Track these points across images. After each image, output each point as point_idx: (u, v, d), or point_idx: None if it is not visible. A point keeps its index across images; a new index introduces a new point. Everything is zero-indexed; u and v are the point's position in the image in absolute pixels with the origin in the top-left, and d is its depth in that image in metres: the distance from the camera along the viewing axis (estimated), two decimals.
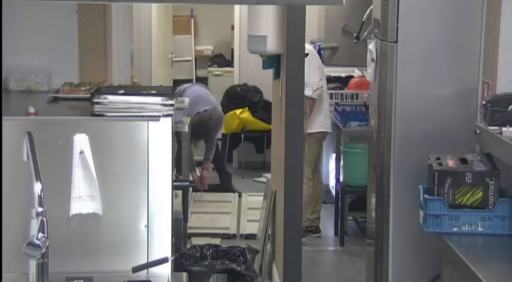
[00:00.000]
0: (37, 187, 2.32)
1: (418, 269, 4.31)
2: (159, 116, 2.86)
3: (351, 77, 7.66)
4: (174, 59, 9.80)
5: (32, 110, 2.92)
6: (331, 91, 7.35)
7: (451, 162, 3.78)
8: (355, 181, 6.60)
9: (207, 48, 11.03)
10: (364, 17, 6.38)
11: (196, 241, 5.87)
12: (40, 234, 2.29)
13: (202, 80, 9.82)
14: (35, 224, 2.30)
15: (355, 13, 7.19)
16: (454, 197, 3.67)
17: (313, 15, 7.78)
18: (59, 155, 2.79)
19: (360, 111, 7.02)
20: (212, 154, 7.35)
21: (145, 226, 2.85)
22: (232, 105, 8.63)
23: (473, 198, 3.67)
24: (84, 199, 2.76)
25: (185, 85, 7.51)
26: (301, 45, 4.94)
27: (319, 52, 7.34)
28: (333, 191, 7.33)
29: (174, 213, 2.95)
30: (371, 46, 4.66)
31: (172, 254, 2.87)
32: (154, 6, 7.89)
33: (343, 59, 7.31)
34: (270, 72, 5.64)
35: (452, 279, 3.68)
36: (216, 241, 6.05)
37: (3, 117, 2.72)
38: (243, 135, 8.68)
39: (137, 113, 2.87)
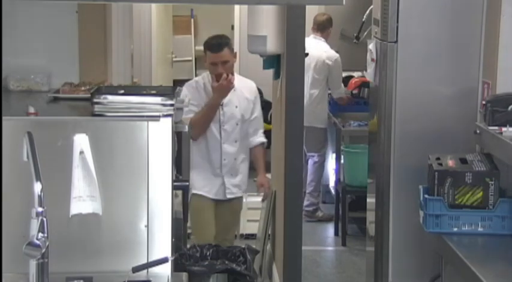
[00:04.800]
0: (37, 187, 2.32)
1: (418, 269, 4.31)
2: (159, 116, 2.86)
3: (351, 76, 7.73)
4: (174, 59, 9.79)
5: (32, 110, 2.92)
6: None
7: (451, 162, 3.78)
8: (355, 181, 6.60)
9: None
10: (364, 17, 6.39)
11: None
12: (40, 234, 2.29)
13: None
14: (35, 224, 2.30)
15: (355, 14, 7.20)
16: (454, 197, 3.67)
17: (313, 15, 7.77)
18: (59, 155, 2.79)
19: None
20: None
21: (145, 226, 2.85)
22: None
23: (473, 198, 3.67)
24: (84, 199, 2.76)
25: None
26: (301, 45, 4.94)
27: None
28: (333, 191, 7.33)
29: (174, 213, 2.95)
30: (371, 46, 4.66)
31: (172, 254, 2.87)
32: (154, 6, 7.88)
33: (343, 63, 7.37)
34: (270, 72, 5.64)
35: (452, 279, 3.68)
36: None
37: (3, 117, 2.72)
38: None
39: (137, 113, 2.87)
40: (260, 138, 5.12)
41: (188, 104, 4.50)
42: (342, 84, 7.50)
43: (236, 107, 4.94)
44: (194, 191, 4.92)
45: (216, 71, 4.81)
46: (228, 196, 5.05)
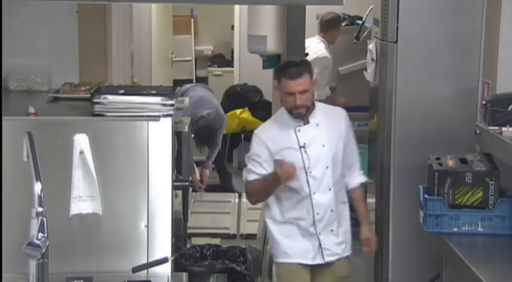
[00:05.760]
0: (37, 187, 2.32)
1: (418, 269, 4.31)
2: (159, 116, 2.86)
3: None
4: (174, 59, 9.78)
5: (32, 110, 2.93)
6: None
7: (451, 162, 3.79)
8: None
9: (207, 48, 11.02)
10: (364, 17, 6.38)
11: (196, 241, 5.86)
12: (40, 234, 2.29)
13: (202, 80, 9.81)
14: (35, 224, 2.30)
15: (355, 9, 7.20)
16: (454, 197, 3.67)
17: (313, 15, 7.78)
18: (59, 155, 2.79)
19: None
20: (215, 154, 7.36)
21: (146, 226, 2.85)
22: (232, 105, 8.62)
23: (473, 198, 3.67)
24: (84, 199, 2.76)
25: (187, 85, 7.50)
26: (301, 45, 4.94)
27: None
28: None
29: (174, 213, 2.95)
30: (371, 46, 4.67)
31: (172, 254, 2.87)
32: (154, 6, 7.89)
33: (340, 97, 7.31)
34: (270, 72, 5.64)
35: (452, 279, 3.68)
36: (216, 241, 6.04)
37: (3, 117, 2.72)
38: (243, 135, 8.67)
39: (137, 113, 2.87)
40: (359, 177, 3.94)
41: (253, 159, 3.83)
42: (327, 87, 7.06)
43: (323, 146, 3.76)
44: (282, 260, 3.90)
45: (293, 102, 3.70)
46: (328, 259, 3.81)
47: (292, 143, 3.75)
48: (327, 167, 3.77)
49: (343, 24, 7.38)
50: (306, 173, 3.75)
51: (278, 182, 3.72)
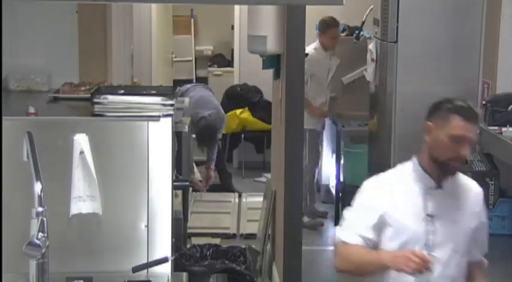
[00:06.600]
0: (37, 187, 2.32)
1: None
2: (159, 116, 2.86)
3: None
4: (174, 59, 9.79)
5: (32, 110, 2.93)
6: None
7: None
8: (355, 181, 6.59)
9: (207, 48, 11.03)
10: (364, 17, 6.38)
11: (196, 241, 5.87)
12: (40, 234, 2.29)
13: (202, 80, 9.82)
14: (35, 224, 2.30)
15: (355, 13, 7.19)
16: None
17: (313, 15, 7.77)
18: (59, 155, 2.79)
19: None
20: (215, 154, 7.37)
21: (146, 226, 2.85)
22: (232, 105, 8.63)
23: None
24: (84, 199, 2.76)
25: (187, 85, 7.50)
26: (301, 45, 4.94)
27: None
28: (333, 191, 7.33)
29: (174, 213, 2.95)
30: (371, 46, 4.67)
31: (172, 254, 2.87)
32: (154, 6, 7.89)
33: (342, 108, 7.28)
34: (270, 72, 5.64)
35: None
36: (216, 241, 6.05)
37: (3, 117, 2.72)
38: (243, 135, 8.68)
39: (137, 113, 2.87)
40: (480, 254, 2.94)
41: (359, 212, 2.87)
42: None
43: (456, 222, 2.83)
44: None
45: (458, 151, 2.74)
46: None
47: (416, 209, 2.81)
48: (455, 251, 2.82)
49: (343, 34, 7.38)
50: (428, 252, 2.74)
51: (383, 269, 2.75)
